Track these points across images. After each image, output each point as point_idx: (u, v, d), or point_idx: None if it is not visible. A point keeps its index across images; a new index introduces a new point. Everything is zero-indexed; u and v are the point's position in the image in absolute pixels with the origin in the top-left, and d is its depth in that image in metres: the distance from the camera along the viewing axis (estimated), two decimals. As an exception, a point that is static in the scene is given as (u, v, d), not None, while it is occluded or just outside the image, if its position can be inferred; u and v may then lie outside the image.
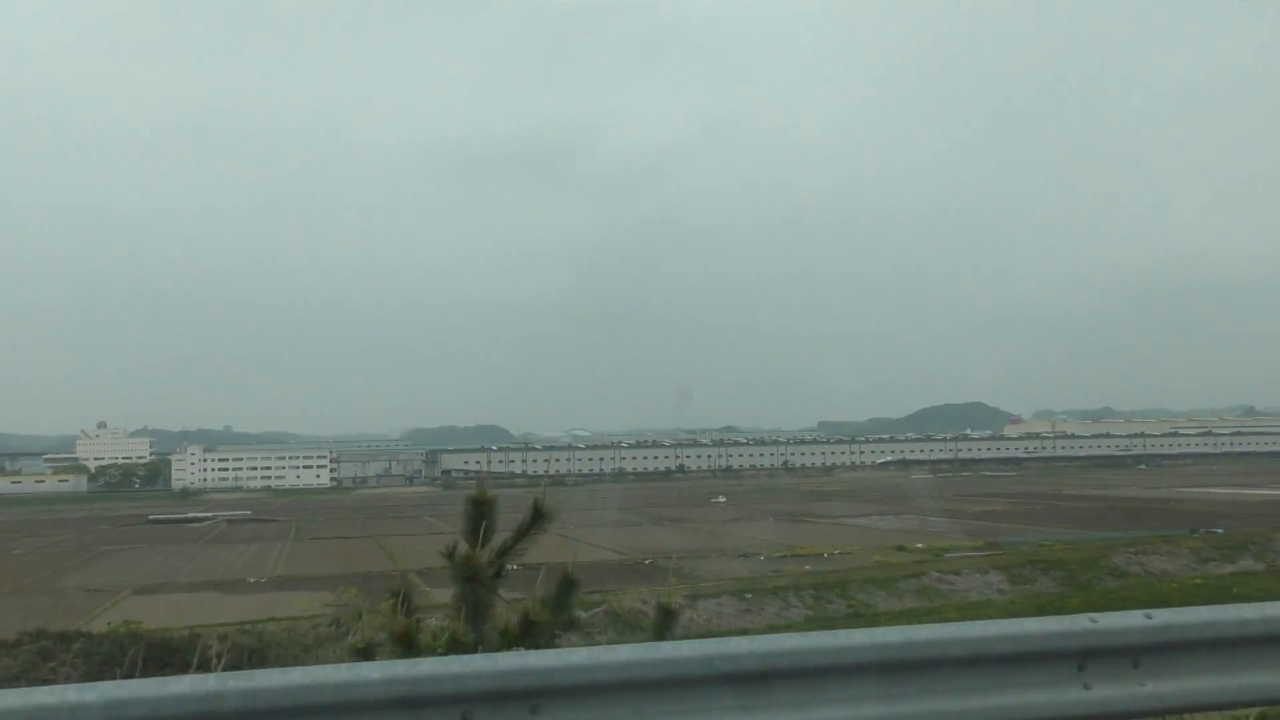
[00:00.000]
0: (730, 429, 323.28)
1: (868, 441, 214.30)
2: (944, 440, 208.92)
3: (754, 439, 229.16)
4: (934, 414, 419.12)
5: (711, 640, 3.03)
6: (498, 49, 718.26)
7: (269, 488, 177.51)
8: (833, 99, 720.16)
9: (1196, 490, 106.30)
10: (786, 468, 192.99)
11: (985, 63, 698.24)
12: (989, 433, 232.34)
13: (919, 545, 58.56)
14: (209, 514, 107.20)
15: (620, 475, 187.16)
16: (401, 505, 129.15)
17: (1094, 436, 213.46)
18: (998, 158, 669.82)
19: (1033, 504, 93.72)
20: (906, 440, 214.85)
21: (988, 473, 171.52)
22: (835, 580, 41.58)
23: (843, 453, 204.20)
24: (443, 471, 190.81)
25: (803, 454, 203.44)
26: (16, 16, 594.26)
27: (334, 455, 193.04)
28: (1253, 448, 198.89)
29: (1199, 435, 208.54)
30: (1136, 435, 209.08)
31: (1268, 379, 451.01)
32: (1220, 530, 59.10)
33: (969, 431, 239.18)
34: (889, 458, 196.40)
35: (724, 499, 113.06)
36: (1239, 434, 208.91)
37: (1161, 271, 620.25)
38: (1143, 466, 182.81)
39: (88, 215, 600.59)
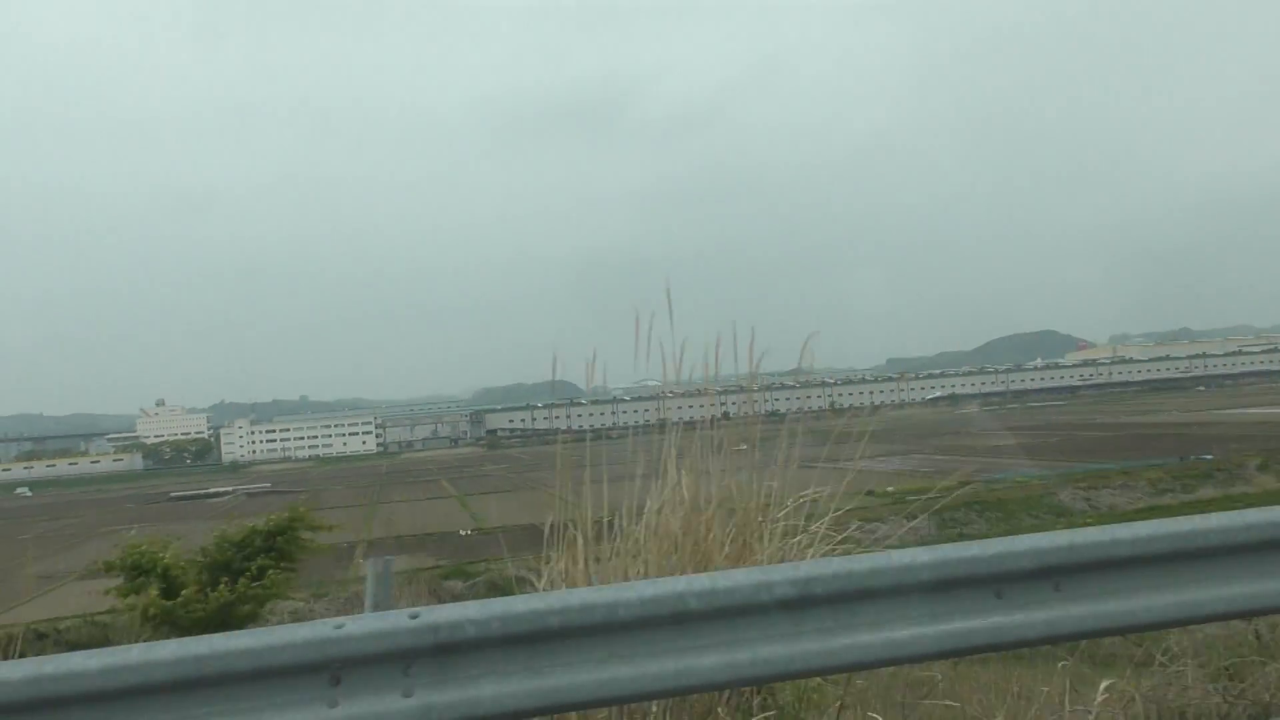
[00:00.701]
0: (799, 371, 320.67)
1: (918, 378, 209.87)
2: (996, 372, 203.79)
3: (805, 381, 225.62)
4: (1003, 344, 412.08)
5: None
6: (540, 5, 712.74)
7: (316, 457, 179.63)
8: (889, 30, 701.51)
9: (1234, 412, 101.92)
10: (834, 408, 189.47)
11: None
12: (1043, 362, 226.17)
13: (889, 489, 56.21)
14: (230, 489, 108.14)
15: (664, 425, 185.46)
16: (432, 468, 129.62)
17: (1152, 360, 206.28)
18: (1068, 74, 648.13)
19: (1049, 436, 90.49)
20: (960, 374, 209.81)
21: (1036, 404, 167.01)
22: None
23: (892, 390, 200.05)
24: (488, 431, 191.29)
25: (852, 393, 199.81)
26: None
27: (379, 420, 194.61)
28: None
29: (1265, 352, 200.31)
30: (1198, 356, 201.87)
31: None
32: (1210, 457, 56.08)
33: (1035, 361, 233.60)
34: (939, 393, 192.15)
35: (745, 446, 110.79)
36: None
37: (1237, 184, 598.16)
38: (1202, 388, 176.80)
39: (162, 192, 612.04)
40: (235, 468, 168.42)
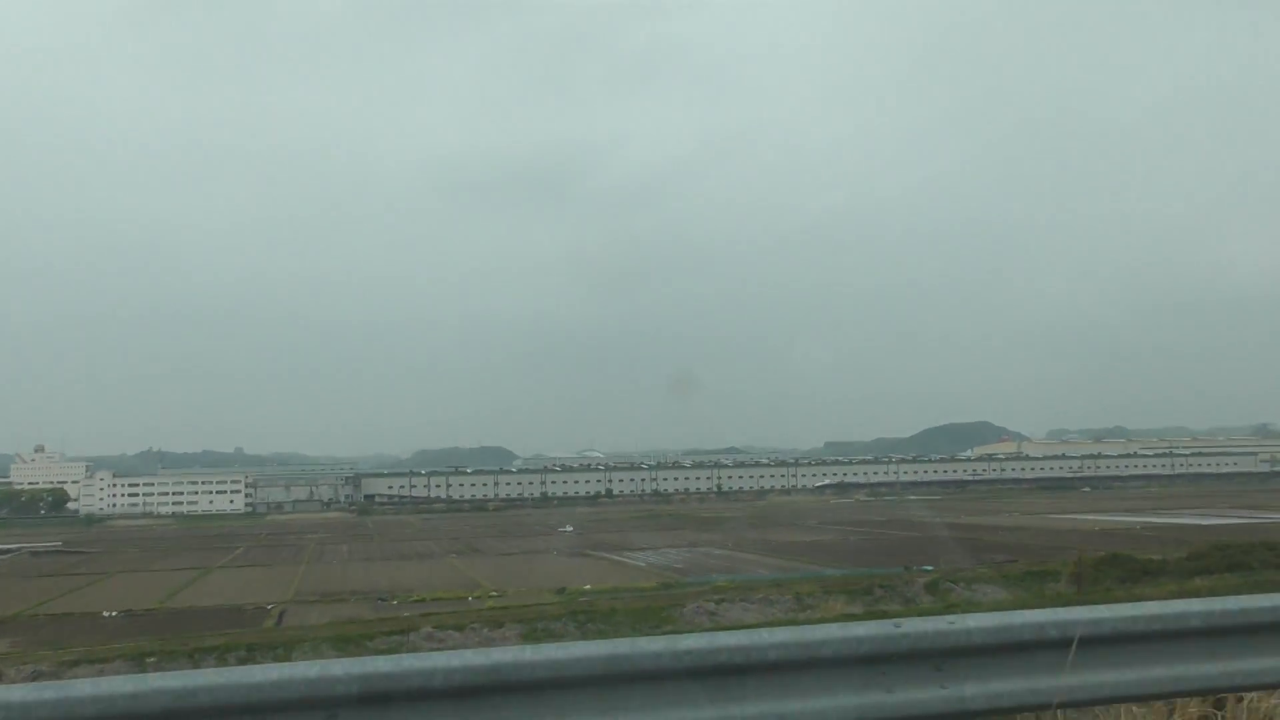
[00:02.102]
0: (734, 450, 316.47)
1: (813, 465, 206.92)
2: (890, 463, 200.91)
3: (741, 461, 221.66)
4: (939, 433, 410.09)
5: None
6: (495, 69, 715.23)
7: (179, 514, 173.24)
8: (840, 117, 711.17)
9: (1075, 516, 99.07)
10: (719, 491, 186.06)
11: (995, 79, 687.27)
12: (974, 453, 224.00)
13: (586, 586, 52.15)
14: (15, 546, 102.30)
15: (544, 500, 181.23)
16: (261, 533, 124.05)
17: (1048, 458, 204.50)
18: (1008, 173, 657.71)
19: (859, 534, 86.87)
20: (851, 463, 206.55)
21: (915, 496, 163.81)
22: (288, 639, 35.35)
23: (784, 475, 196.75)
24: (366, 496, 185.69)
25: (744, 476, 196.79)
26: (22, 37, 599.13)
27: (250, 479, 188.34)
28: (1212, 468, 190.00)
29: (1157, 456, 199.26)
30: (1092, 456, 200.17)
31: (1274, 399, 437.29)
32: (930, 569, 52.48)
33: (968, 452, 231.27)
34: (825, 481, 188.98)
35: (571, 528, 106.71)
36: (1199, 454, 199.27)
37: (1180, 286, 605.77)
38: (1088, 489, 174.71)
39: (96, 233, 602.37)
40: (90, 521, 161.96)
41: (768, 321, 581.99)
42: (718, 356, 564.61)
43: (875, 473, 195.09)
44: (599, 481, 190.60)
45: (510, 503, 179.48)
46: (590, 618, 37.13)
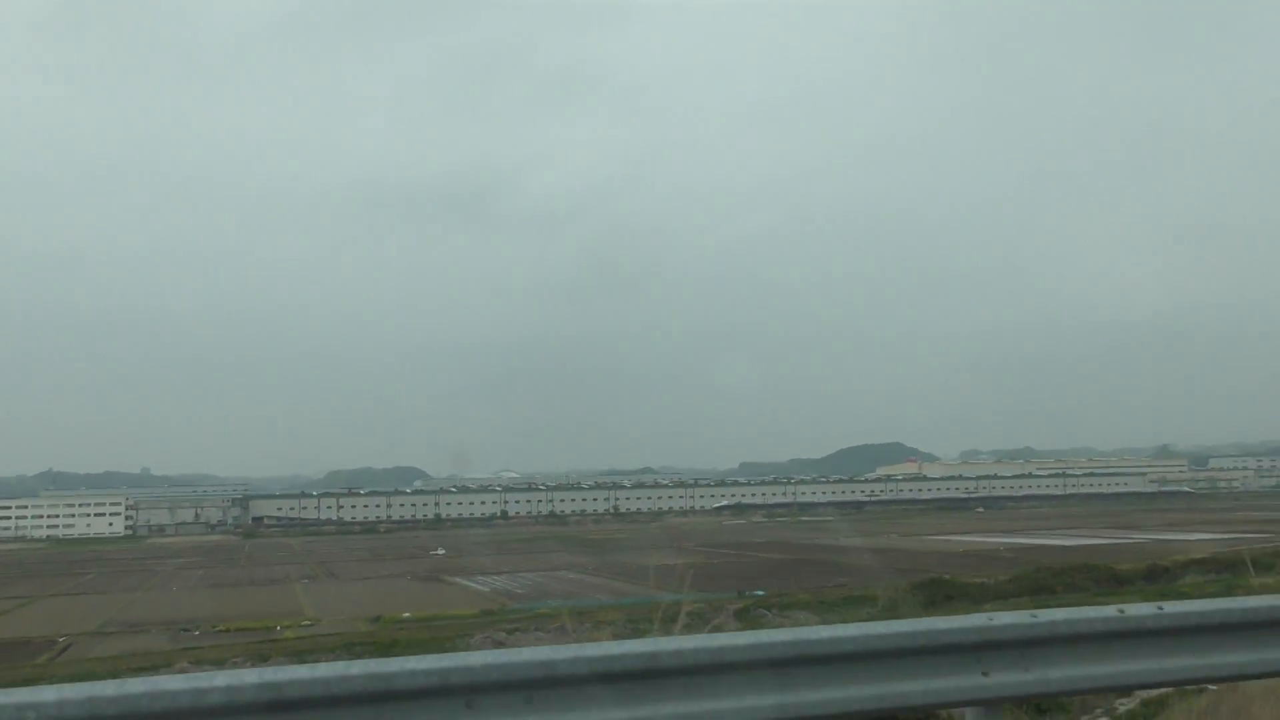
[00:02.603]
0: (648, 470, 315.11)
1: (713, 485, 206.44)
2: (789, 484, 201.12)
3: (640, 482, 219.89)
4: (853, 454, 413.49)
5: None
6: (413, 88, 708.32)
7: (54, 538, 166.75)
8: (762, 139, 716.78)
9: (953, 538, 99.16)
10: (616, 513, 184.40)
11: (919, 104, 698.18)
12: (847, 476, 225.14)
13: (405, 614, 50.08)
14: None
15: (438, 522, 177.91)
16: (124, 557, 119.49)
17: (945, 479, 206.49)
18: (928, 198, 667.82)
19: (728, 557, 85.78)
20: (750, 484, 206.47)
21: (807, 518, 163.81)
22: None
23: (684, 497, 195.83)
24: (255, 519, 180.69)
25: (643, 497, 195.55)
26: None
27: (130, 501, 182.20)
28: (1101, 488, 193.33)
29: (1051, 476, 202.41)
30: (988, 477, 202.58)
31: (1189, 419, 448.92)
32: (761, 593, 51.45)
33: (874, 471, 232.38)
34: (723, 502, 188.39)
35: (443, 551, 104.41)
36: (1092, 475, 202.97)
37: (1089, 310, 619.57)
38: (981, 510, 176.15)
39: (12, 251, 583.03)
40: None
41: (689, 343, 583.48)
42: (639, 377, 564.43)
43: (774, 494, 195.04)
44: (495, 503, 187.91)
45: (403, 525, 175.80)
46: (375, 648, 35.42)
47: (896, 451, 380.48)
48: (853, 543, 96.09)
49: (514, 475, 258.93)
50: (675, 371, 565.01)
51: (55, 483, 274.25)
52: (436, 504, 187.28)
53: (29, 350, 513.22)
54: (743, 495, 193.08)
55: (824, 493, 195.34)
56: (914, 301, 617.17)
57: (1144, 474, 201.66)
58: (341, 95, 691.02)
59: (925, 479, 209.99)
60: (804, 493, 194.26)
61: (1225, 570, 42.54)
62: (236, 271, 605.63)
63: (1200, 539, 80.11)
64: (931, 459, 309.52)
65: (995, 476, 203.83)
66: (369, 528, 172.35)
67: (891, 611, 41.51)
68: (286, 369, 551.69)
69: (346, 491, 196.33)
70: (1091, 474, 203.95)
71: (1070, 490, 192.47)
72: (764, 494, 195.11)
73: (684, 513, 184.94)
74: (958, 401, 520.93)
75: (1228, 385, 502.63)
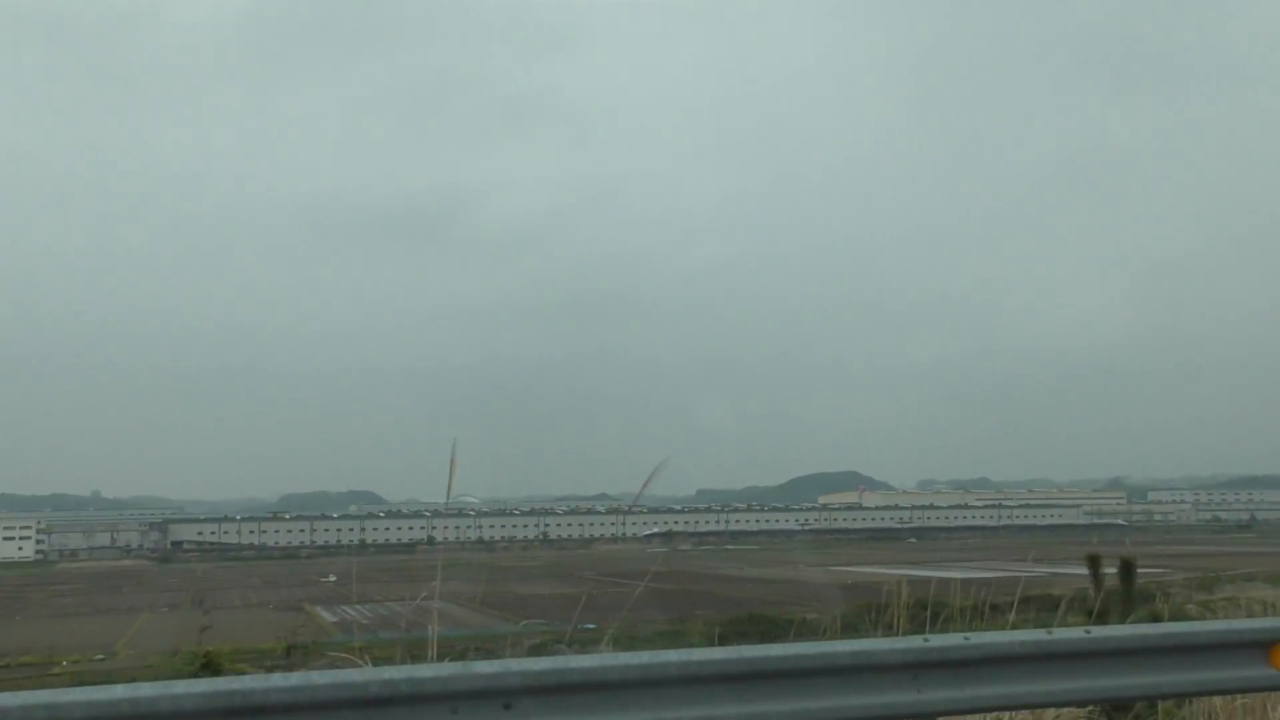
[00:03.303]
0: (604, 496, 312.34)
1: (645, 512, 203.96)
2: (716, 512, 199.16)
3: (573, 509, 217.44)
4: (807, 482, 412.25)
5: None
6: (366, 112, 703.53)
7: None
8: (718, 172, 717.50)
9: (836, 569, 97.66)
10: (545, 539, 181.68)
11: (874, 137, 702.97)
12: (797, 504, 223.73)
13: (209, 648, 47.43)
14: None
15: (363, 548, 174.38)
16: (28, 584, 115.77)
17: (881, 508, 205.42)
18: (888, 230, 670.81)
19: (616, 586, 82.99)
20: (684, 511, 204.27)
21: (732, 546, 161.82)
22: None
23: (615, 523, 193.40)
24: (174, 543, 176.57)
25: (575, 524, 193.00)
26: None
27: (41, 524, 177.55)
28: (1035, 520, 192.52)
29: (986, 507, 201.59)
30: (923, 507, 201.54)
31: (1143, 452, 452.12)
32: (591, 626, 49.08)
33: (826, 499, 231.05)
34: (654, 530, 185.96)
35: (334, 578, 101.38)
36: (1026, 506, 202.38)
37: (1047, 343, 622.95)
38: (912, 540, 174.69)
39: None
40: None
41: (650, 370, 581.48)
42: (600, 403, 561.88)
43: (707, 522, 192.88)
44: (423, 529, 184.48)
45: (325, 550, 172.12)
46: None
47: (851, 480, 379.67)
48: (747, 574, 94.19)
49: (473, 500, 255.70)
50: (635, 398, 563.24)
51: (2, 505, 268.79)
52: (362, 529, 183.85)
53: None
54: (675, 523, 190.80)
55: (752, 521, 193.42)
56: (874, 332, 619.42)
57: (1079, 506, 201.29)
58: (294, 116, 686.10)
59: (862, 508, 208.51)
60: (738, 520, 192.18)
61: (1052, 608, 40.48)
62: (190, 291, 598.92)
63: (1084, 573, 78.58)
64: (887, 488, 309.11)
65: (931, 507, 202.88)
66: (290, 553, 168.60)
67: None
68: (240, 390, 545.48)
69: (271, 516, 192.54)
70: (1027, 505, 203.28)
71: (1005, 522, 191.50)
72: (697, 522, 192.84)
73: (614, 540, 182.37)
74: (917, 432, 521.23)
75: (1182, 418, 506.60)
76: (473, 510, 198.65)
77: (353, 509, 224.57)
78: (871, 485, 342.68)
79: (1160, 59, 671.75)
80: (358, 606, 71.51)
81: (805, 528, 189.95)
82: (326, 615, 65.39)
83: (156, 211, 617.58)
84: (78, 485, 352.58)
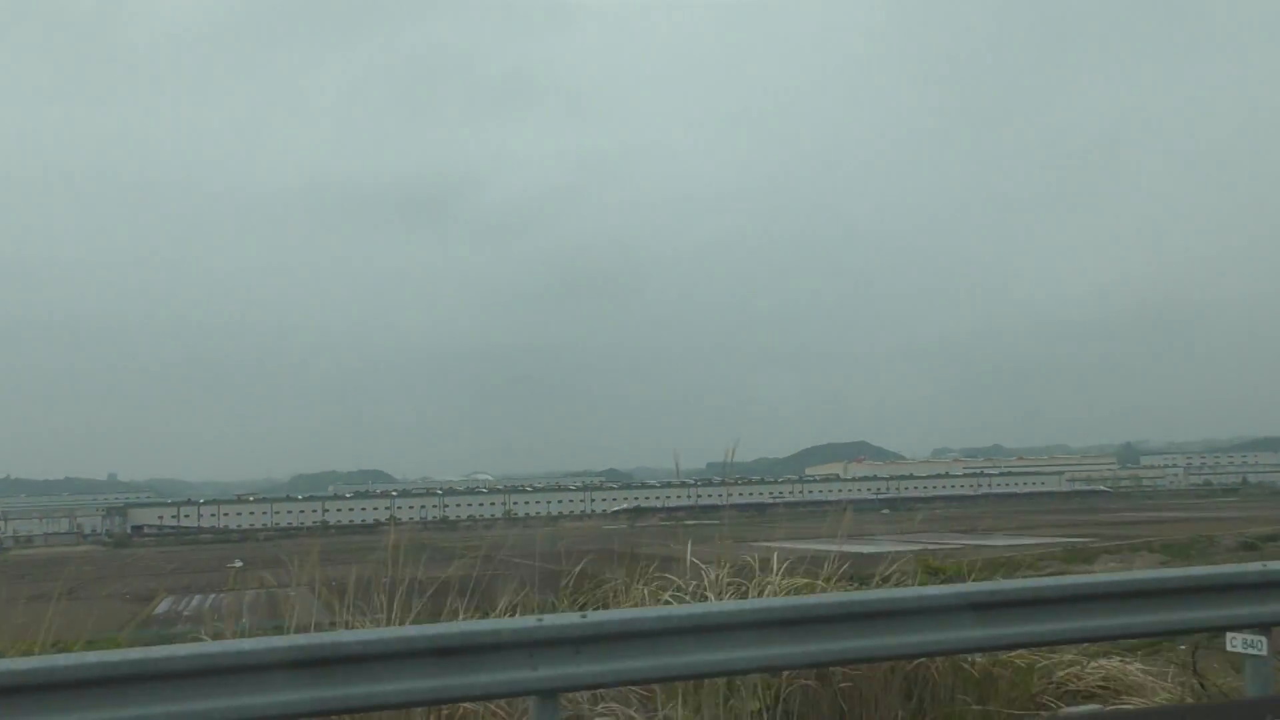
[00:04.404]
0: (613, 472, 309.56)
1: (618, 489, 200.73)
2: (689, 486, 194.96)
3: (543, 485, 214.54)
4: (817, 453, 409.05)
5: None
6: (364, 92, 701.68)
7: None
8: (721, 150, 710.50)
9: (769, 545, 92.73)
10: (509, 518, 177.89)
11: (881, 101, 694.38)
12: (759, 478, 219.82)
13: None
14: None
15: (324, 529, 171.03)
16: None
17: (859, 479, 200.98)
18: (897, 192, 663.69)
19: (517, 569, 79.31)
20: (658, 487, 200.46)
21: (691, 521, 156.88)
22: None
23: (584, 500, 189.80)
24: (133, 527, 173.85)
25: (539, 502, 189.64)
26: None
27: (1, 511, 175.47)
28: (1016, 488, 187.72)
29: (966, 476, 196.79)
30: (903, 477, 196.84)
31: (1152, 417, 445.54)
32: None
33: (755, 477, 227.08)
34: (622, 505, 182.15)
35: (240, 563, 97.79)
36: (1008, 474, 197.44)
37: (1062, 305, 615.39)
38: (885, 511, 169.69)
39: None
40: None
41: (658, 346, 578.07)
42: (609, 380, 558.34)
43: (678, 496, 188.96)
44: (386, 508, 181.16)
45: (284, 532, 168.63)
46: None
47: (862, 449, 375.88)
48: (670, 551, 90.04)
49: (487, 477, 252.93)
50: (644, 374, 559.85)
51: (13, 489, 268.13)
52: (324, 510, 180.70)
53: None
54: (647, 498, 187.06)
55: (721, 495, 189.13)
56: (888, 305, 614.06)
57: (1062, 473, 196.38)
58: (289, 100, 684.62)
59: (839, 479, 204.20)
60: (704, 495, 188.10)
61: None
62: (198, 276, 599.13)
63: (1021, 543, 74.48)
64: (898, 457, 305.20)
65: (910, 477, 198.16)
66: (248, 535, 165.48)
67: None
68: (250, 373, 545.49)
69: (235, 499, 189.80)
70: (1008, 474, 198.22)
71: (983, 490, 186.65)
72: (669, 496, 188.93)
73: (582, 517, 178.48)
74: (932, 402, 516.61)
75: (1200, 381, 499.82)
76: (439, 490, 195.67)
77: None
78: (882, 455, 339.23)
79: (1162, 35, 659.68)
80: (219, 595, 67.91)
81: (779, 500, 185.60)
82: (164, 607, 61.65)
83: (160, 197, 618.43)
84: (94, 469, 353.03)
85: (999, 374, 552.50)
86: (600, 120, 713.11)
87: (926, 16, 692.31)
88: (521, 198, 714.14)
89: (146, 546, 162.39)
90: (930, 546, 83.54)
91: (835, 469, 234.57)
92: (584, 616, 5.12)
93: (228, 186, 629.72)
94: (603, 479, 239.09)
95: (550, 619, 5.07)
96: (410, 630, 4.98)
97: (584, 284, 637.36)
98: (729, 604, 5.71)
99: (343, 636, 4.88)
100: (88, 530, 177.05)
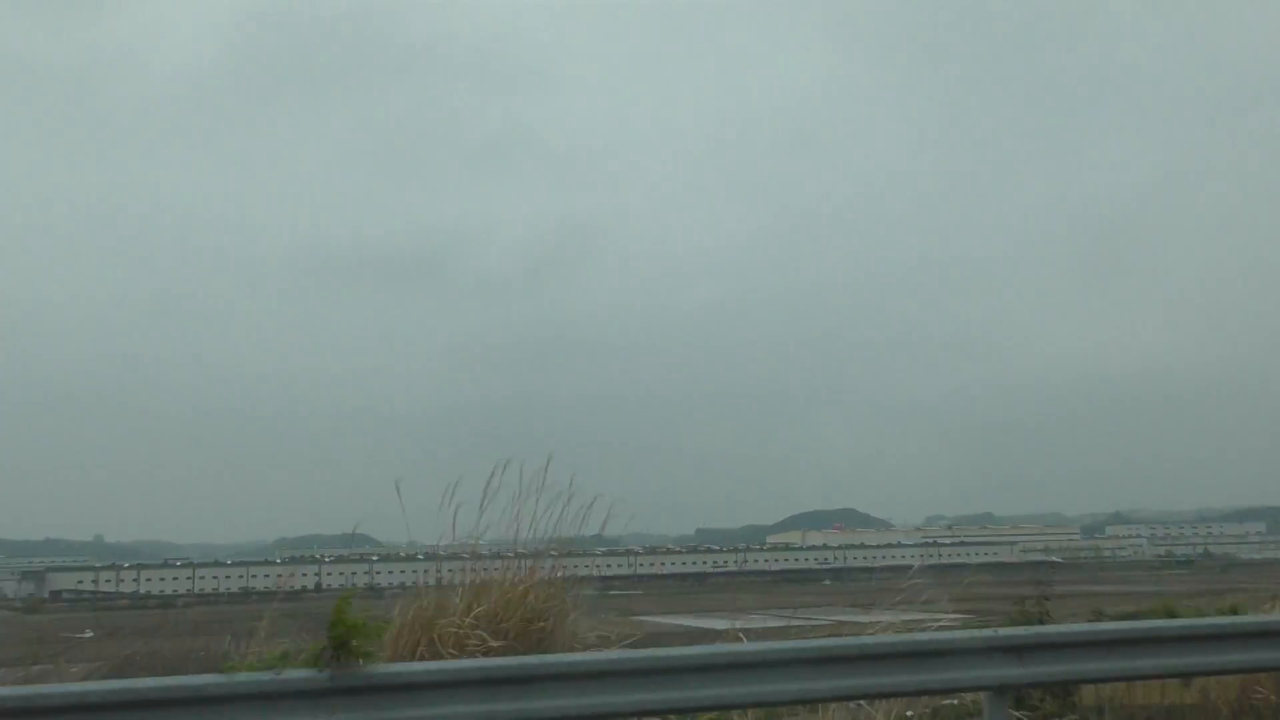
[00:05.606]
0: (597, 537, 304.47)
1: (561, 555, 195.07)
2: (627, 555, 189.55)
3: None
4: (803, 520, 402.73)
5: None
6: (348, 154, 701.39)
7: None
8: (708, 211, 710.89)
9: (662, 620, 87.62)
10: (439, 585, 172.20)
11: (868, 170, 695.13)
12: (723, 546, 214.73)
13: None
14: None
15: (245, 595, 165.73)
16: None
17: (808, 549, 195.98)
18: (885, 276, 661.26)
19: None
20: (598, 555, 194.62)
21: (615, 591, 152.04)
22: None
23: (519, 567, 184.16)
24: (52, 592, 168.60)
25: (462, 570, 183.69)
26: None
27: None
28: (967, 559, 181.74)
29: (917, 546, 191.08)
30: (853, 546, 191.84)
31: (1154, 487, 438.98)
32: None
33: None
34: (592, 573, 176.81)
35: (90, 634, 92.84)
36: (961, 544, 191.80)
37: (1061, 378, 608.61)
38: (828, 581, 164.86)
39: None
40: None
41: (644, 408, 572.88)
42: (593, 442, 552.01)
43: (618, 565, 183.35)
44: (314, 575, 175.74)
45: (204, 598, 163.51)
46: None
47: (849, 517, 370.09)
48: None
49: (481, 543, 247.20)
50: (629, 437, 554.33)
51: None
52: (249, 576, 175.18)
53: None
54: (581, 566, 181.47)
55: (662, 564, 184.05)
56: (878, 367, 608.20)
57: (1015, 543, 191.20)
58: (274, 162, 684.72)
59: (789, 548, 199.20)
60: (643, 564, 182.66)
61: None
62: (184, 336, 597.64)
63: (911, 618, 69.37)
64: (886, 525, 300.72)
65: (862, 545, 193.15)
66: (166, 602, 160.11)
67: None
68: (239, 433, 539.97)
69: (163, 563, 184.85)
70: (962, 543, 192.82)
71: (932, 561, 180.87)
72: (609, 565, 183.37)
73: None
74: (923, 468, 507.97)
75: (1196, 449, 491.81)
76: (374, 556, 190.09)
77: (294, 554, 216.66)
78: (868, 523, 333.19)
79: (1175, 93, 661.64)
80: (37, 669, 62.93)
81: (718, 570, 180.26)
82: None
83: (143, 258, 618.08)
84: (79, 530, 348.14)
85: (993, 440, 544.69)
86: (585, 183, 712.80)
87: (926, 72, 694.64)
88: (505, 261, 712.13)
89: (59, 613, 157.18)
90: (800, 622, 77.95)
91: (794, 537, 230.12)
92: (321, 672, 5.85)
93: (211, 248, 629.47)
94: (588, 545, 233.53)
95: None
96: None
97: (571, 344, 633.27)
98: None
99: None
100: (11, 594, 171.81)
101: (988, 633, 7.35)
